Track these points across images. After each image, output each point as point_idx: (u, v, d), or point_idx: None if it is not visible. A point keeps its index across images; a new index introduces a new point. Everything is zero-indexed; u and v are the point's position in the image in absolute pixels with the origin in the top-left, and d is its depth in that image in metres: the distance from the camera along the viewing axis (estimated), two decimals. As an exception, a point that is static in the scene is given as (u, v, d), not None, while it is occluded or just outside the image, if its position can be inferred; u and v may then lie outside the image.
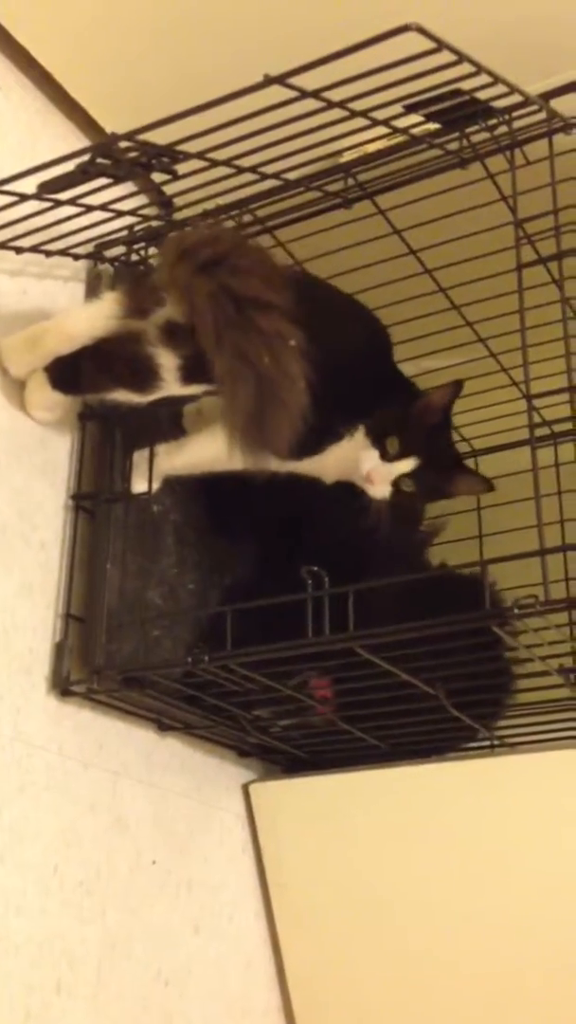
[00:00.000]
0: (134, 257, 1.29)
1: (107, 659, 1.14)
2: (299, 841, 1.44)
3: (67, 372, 1.14)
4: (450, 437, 1.24)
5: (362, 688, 1.18)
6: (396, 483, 1.16)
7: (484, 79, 0.94)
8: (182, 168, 1.02)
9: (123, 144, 0.96)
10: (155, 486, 1.22)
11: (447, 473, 1.21)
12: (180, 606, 1.30)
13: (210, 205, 1.19)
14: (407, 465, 1.16)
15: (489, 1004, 1.32)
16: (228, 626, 1.09)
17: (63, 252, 1.21)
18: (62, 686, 1.14)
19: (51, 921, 1.09)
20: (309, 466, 1.20)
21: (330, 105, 0.91)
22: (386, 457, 1.16)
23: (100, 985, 1.14)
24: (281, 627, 1.10)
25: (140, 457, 1.22)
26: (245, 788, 1.46)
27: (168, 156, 0.97)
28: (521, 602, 0.94)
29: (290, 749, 1.39)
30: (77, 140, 1.31)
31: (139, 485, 1.22)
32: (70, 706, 1.17)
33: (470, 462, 1.63)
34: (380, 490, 1.16)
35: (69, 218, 1.13)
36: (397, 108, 0.97)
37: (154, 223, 1.27)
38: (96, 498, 1.22)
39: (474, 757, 1.32)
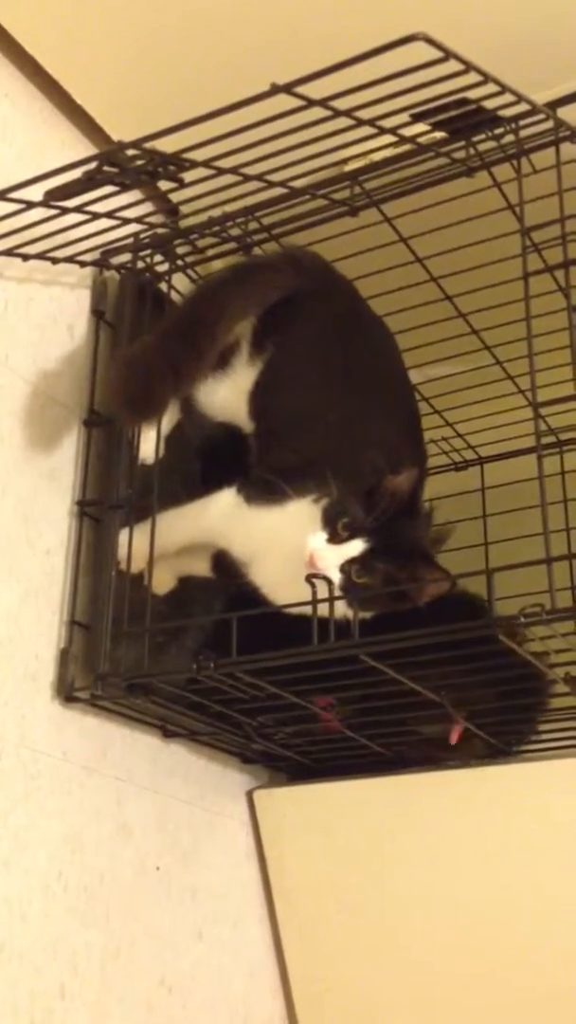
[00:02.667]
0: (140, 264, 1.29)
1: (112, 666, 1.14)
2: (303, 848, 1.44)
3: None
4: (416, 526, 1.12)
5: (368, 696, 1.18)
6: (345, 570, 1.05)
7: (491, 88, 0.94)
8: (188, 176, 1.02)
9: (130, 152, 0.96)
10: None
11: (405, 563, 1.07)
12: (185, 613, 1.30)
13: (216, 213, 1.20)
14: (355, 548, 1.06)
15: (493, 1012, 1.31)
16: (233, 633, 1.09)
17: (69, 259, 1.21)
18: (67, 692, 1.14)
19: (55, 927, 1.09)
20: (259, 524, 1.15)
21: (337, 114, 0.91)
22: (335, 539, 1.06)
23: (103, 991, 1.14)
24: (286, 635, 1.10)
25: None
26: (249, 795, 1.46)
27: (175, 164, 0.97)
28: (527, 611, 0.94)
29: (295, 756, 1.39)
30: (84, 148, 1.31)
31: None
32: (75, 712, 1.17)
33: (475, 470, 1.65)
34: (327, 575, 1.05)
35: (75, 225, 1.14)
36: (404, 117, 0.97)
37: (160, 231, 1.27)
38: (101, 505, 1.22)
39: (479, 765, 1.32)
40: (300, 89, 0.87)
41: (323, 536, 1.07)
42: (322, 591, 1.05)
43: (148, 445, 1.23)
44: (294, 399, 1.21)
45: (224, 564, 1.21)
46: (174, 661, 1.22)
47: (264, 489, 1.14)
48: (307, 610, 1.05)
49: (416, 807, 1.35)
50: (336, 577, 1.05)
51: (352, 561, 1.05)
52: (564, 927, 1.27)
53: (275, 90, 0.86)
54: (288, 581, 1.10)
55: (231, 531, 1.18)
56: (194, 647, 1.26)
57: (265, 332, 1.23)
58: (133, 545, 1.18)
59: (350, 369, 1.23)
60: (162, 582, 1.26)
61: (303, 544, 1.06)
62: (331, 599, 1.05)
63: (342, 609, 1.04)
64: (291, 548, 1.09)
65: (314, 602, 1.05)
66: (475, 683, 1.14)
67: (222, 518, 1.18)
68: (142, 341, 1.18)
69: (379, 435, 1.19)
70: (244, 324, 1.23)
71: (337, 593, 1.05)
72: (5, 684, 1.08)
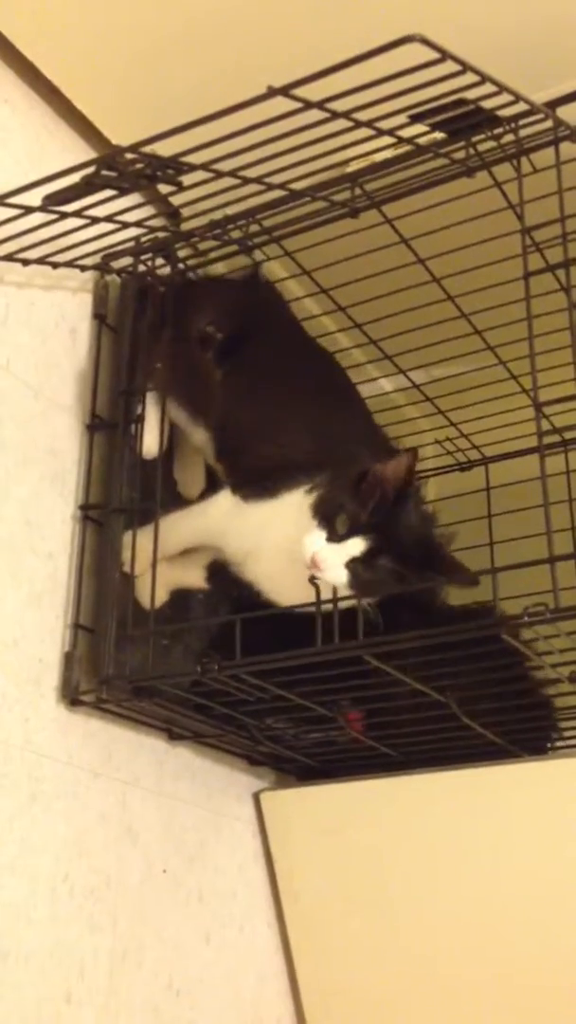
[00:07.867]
0: (141, 268, 1.29)
1: (116, 668, 1.14)
2: (311, 849, 1.43)
3: None
4: (420, 519, 1.09)
5: (374, 697, 1.18)
6: (352, 569, 1.04)
7: (489, 88, 0.93)
8: (188, 179, 1.02)
9: (128, 156, 0.96)
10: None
11: (414, 562, 1.05)
12: (190, 615, 1.30)
13: (217, 215, 1.20)
14: (357, 546, 1.03)
15: (502, 1014, 1.31)
16: (237, 635, 1.09)
17: (70, 264, 1.21)
18: (71, 696, 1.14)
19: (61, 930, 1.09)
20: (255, 517, 1.16)
21: (335, 116, 0.91)
22: (333, 537, 1.04)
23: (111, 994, 1.14)
24: (291, 637, 1.10)
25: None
26: (256, 797, 1.46)
27: (173, 167, 0.97)
28: (531, 610, 0.94)
29: (301, 757, 1.38)
30: (83, 152, 1.31)
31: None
32: (80, 716, 1.17)
33: (480, 470, 1.64)
34: (332, 576, 1.04)
35: (76, 230, 1.13)
36: (403, 118, 0.97)
37: (161, 234, 1.27)
38: (104, 508, 1.22)
39: (486, 765, 1.31)
40: (298, 91, 0.86)
41: (321, 535, 1.05)
42: (326, 591, 1.05)
43: (150, 437, 1.24)
44: (257, 407, 1.24)
45: (219, 571, 1.22)
46: (179, 663, 1.23)
47: (259, 485, 1.16)
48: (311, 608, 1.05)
49: (424, 807, 1.35)
50: (342, 579, 1.04)
51: (355, 560, 1.04)
52: (573, 927, 1.27)
53: (272, 92, 0.85)
54: (284, 574, 1.11)
55: (227, 529, 1.19)
56: (199, 649, 1.26)
57: (225, 349, 1.28)
58: (137, 547, 1.18)
59: (306, 378, 1.28)
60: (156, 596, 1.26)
61: (300, 541, 1.06)
62: (335, 599, 1.05)
63: (335, 579, 1.05)
64: (285, 540, 1.09)
65: (318, 603, 1.06)
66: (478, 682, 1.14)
67: (220, 517, 1.20)
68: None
69: (351, 433, 1.23)
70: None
71: (344, 593, 1.04)
72: (9, 688, 1.08)
